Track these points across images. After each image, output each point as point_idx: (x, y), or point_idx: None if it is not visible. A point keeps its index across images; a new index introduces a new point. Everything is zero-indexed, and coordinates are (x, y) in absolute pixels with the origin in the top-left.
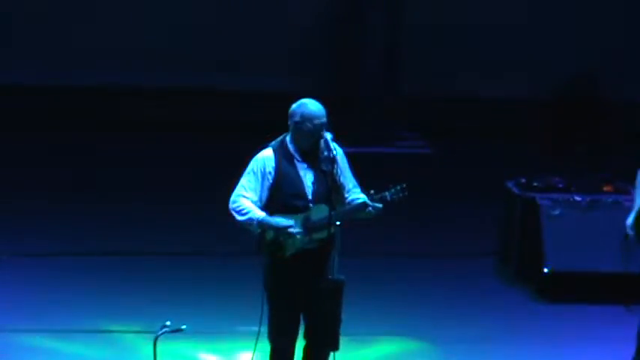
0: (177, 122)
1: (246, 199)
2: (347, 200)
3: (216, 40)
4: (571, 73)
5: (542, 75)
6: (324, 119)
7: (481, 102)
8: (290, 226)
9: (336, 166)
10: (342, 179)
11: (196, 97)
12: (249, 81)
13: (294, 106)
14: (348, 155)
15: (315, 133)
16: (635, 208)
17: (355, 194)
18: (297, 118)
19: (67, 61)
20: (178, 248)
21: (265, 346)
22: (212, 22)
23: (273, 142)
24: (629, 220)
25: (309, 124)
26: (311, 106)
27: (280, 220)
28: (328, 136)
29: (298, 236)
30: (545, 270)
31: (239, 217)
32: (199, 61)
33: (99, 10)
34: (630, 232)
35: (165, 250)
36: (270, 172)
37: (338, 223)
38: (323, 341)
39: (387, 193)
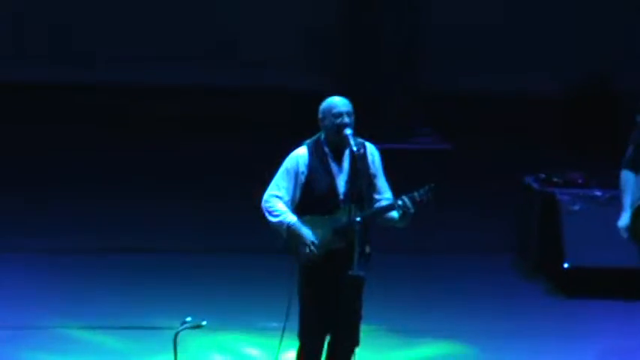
0: (190, 119)
1: (279, 199)
2: (377, 200)
3: (233, 38)
4: (587, 70)
5: (559, 72)
6: (343, 107)
7: (497, 99)
8: (312, 243)
9: (370, 164)
10: (376, 180)
11: (208, 94)
12: (266, 79)
13: (320, 107)
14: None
15: (337, 123)
16: (626, 210)
17: (385, 199)
18: (320, 116)
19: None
20: (200, 244)
21: (294, 344)
22: (232, 18)
23: (308, 141)
24: (622, 222)
25: (330, 117)
26: (329, 99)
27: (306, 232)
28: (348, 131)
29: (319, 249)
30: (565, 265)
31: (271, 218)
32: (213, 58)
33: (102, 8)
34: (624, 235)
35: (186, 246)
36: (303, 172)
37: (358, 219)
38: (345, 337)
39: (416, 194)
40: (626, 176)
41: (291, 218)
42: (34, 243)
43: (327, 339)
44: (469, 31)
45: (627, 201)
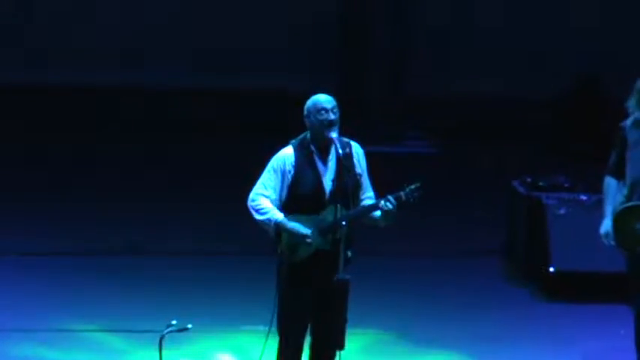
0: (178, 122)
1: (266, 197)
2: (361, 200)
3: (222, 40)
4: (574, 73)
5: (549, 75)
6: (327, 104)
7: (487, 102)
8: (306, 235)
9: (357, 164)
10: (362, 180)
11: (197, 96)
12: (254, 81)
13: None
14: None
15: (323, 121)
16: (607, 216)
17: (369, 198)
18: (305, 113)
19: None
20: (185, 247)
21: (274, 344)
22: (216, 20)
23: (294, 140)
24: (604, 228)
25: (314, 113)
26: (314, 96)
27: (297, 226)
28: (334, 134)
29: (312, 243)
30: (551, 269)
31: (257, 216)
32: (200, 61)
33: (97, 10)
34: (608, 242)
35: (170, 250)
36: (289, 171)
37: (344, 223)
38: (329, 340)
39: (401, 193)
40: (608, 182)
41: (278, 215)
42: (17, 246)
43: (309, 341)
44: (459, 34)
45: (608, 208)
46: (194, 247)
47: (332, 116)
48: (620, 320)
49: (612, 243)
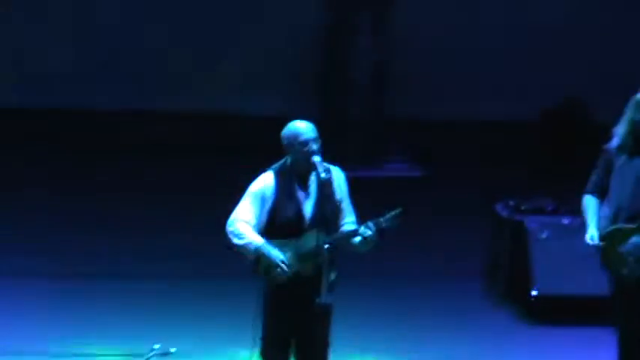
0: (163, 145)
1: (244, 222)
2: (341, 225)
3: (196, 62)
4: (560, 95)
5: (531, 97)
6: (311, 134)
7: (469, 125)
8: (283, 262)
9: (337, 189)
10: (342, 205)
11: (180, 119)
12: (233, 104)
13: (282, 132)
14: None
15: (306, 150)
16: (591, 225)
17: (349, 223)
18: (285, 142)
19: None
20: (167, 270)
21: None
22: (189, 44)
23: (274, 166)
24: (589, 234)
25: (296, 144)
26: (294, 125)
27: (275, 253)
28: (317, 158)
29: (289, 269)
30: (534, 292)
31: (236, 241)
32: (185, 82)
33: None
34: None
35: (154, 272)
36: (269, 197)
37: (327, 246)
38: None
39: (381, 219)
40: (588, 199)
41: (257, 240)
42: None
43: None
44: (442, 57)
45: (592, 218)
46: (176, 270)
47: (315, 146)
48: (603, 344)
49: (597, 244)
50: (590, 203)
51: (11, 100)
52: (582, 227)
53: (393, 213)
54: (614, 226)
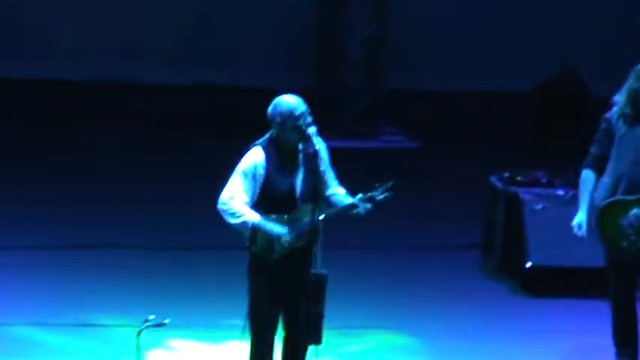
0: (163, 116)
1: (238, 200)
2: (328, 196)
3: (197, 36)
4: (556, 67)
5: (527, 68)
6: (304, 107)
7: (465, 96)
8: (283, 235)
9: (320, 161)
10: (326, 175)
11: (183, 92)
12: (229, 76)
13: (269, 109)
14: (331, 150)
15: (301, 125)
16: (583, 209)
17: (335, 189)
18: (278, 119)
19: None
20: (162, 242)
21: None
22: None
23: (261, 141)
24: (578, 220)
25: (291, 120)
26: (285, 101)
27: (273, 227)
28: (312, 130)
29: (289, 242)
30: (528, 264)
31: (232, 220)
32: (181, 55)
33: (95, 6)
34: (580, 233)
35: (148, 245)
36: (260, 173)
37: (321, 217)
38: (305, 335)
39: (375, 193)
40: (586, 175)
41: (254, 217)
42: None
43: (282, 336)
44: (437, 27)
45: (584, 200)
46: (170, 241)
47: (309, 118)
48: (598, 315)
49: (583, 234)
50: (586, 181)
51: None
52: (576, 199)
53: (384, 186)
54: (613, 198)
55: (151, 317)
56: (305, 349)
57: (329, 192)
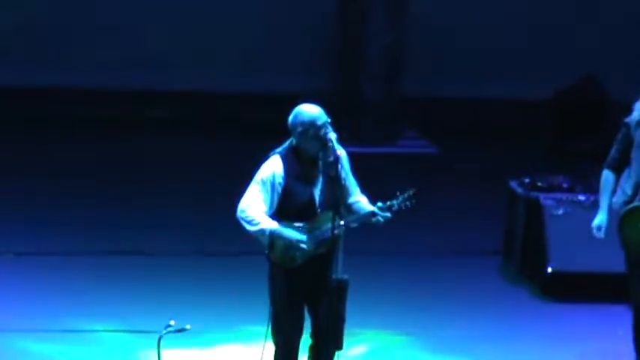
0: (179, 122)
1: (256, 208)
2: (350, 204)
3: (216, 42)
4: (575, 74)
5: (547, 75)
6: (325, 117)
7: (484, 102)
8: (301, 241)
9: (341, 169)
10: (347, 183)
11: (196, 97)
12: (249, 82)
13: (290, 118)
14: (351, 156)
15: (322, 135)
16: (602, 209)
17: (357, 197)
18: (299, 129)
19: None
20: (184, 247)
21: (271, 346)
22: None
23: (280, 149)
24: (598, 221)
25: (312, 129)
26: (307, 111)
27: (292, 233)
28: (333, 136)
29: (307, 248)
30: (549, 269)
31: (250, 228)
32: (198, 61)
33: (101, 13)
34: (598, 235)
35: (169, 250)
36: (279, 182)
37: (342, 224)
38: (328, 341)
39: (394, 202)
40: (606, 176)
41: (271, 225)
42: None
43: (309, 342)
44: (457, 34)
45: (604, 201)
46: (193, 247)
47: (330, 128)
48: (618, 320)
49: (602, 236)
50: (606, 181)
51: None
52: (597, 204)
53: (406, 194)
54: (634, 204)
55: (172, 322)
56: (330, 356)
57: (351, 200)
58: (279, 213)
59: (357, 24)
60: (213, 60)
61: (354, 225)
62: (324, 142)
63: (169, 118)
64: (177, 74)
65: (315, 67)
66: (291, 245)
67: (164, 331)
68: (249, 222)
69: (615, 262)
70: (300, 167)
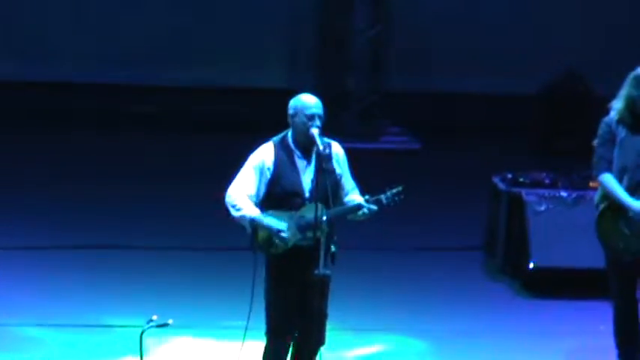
0: (169, 119)
1: (243, 194)
2: (346, 202)
3: (200, 37)
4: (559, 69)
5: (531, 71)
6: (317, 110)
7: (468, 98)
8: (281, 231)
9: (335, 164)
10: (342, 180)
11: (183, 93)
12: (231, 77)
13: (291, 101)
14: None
15: (309, 124)
16: (629, 199)
17: (352, 196)
18: (291, 112)
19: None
20: (166, 242)
21: (257, 342)
22: (192, 19)
23: (275, 137)
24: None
25: (301, 116)
26: (304, 97)
27: (272, 222)
28: (315, 131)
29: (288, 238)
30: (531, 265)
31: (233, 213)
32: (185, 57)
33: (87, 9)
34: None
35: (153, 244)
36: (268, 168)
37: (325, 218)
38: (311, 336)
39: (382, 196)
40: (607, 178)
41: (253, 212)
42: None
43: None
44: (441, 29)
45: (624, 194)
46: (175, 242)
47: (318, 122)
48: (600, 316)
49: None
50: (612, 180)
51: None
52: (579, 200)
53: (394, 190)
54: (611, 200)
55: (154, 317)
56: (313, 351)
57: (347, 198)
58: (267, 200)
59: (341, 18)
60: (194, 56)
61: (338, 217)
62: (307, 130)
63: (156, 113)
64: (163, 70)
65: (298, 61)
66: (272, 234)
67: (146, 326)
68: (233, 206)
69: (596, 258)
70: (292, 156)
